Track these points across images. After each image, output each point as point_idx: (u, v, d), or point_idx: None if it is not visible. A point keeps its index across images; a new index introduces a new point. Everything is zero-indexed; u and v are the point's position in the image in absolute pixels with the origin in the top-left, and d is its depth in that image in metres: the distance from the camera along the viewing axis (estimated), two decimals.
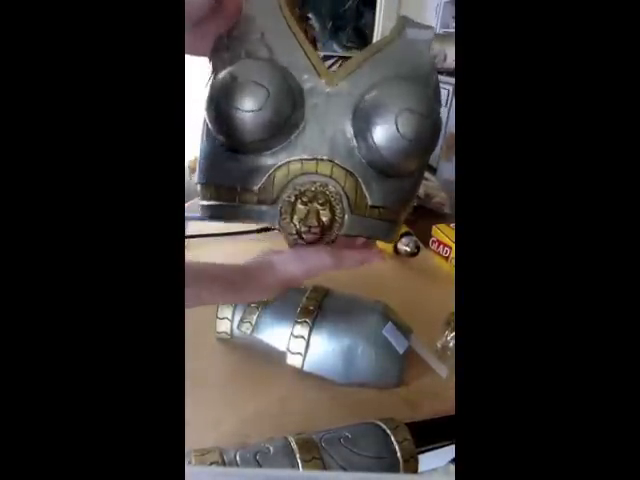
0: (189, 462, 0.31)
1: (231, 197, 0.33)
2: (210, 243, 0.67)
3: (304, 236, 0.33)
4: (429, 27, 0.37)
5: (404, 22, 0.37)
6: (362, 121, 0.32)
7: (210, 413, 0.40)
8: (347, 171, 0.33)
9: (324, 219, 0.32)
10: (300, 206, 0.32)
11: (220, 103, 0.30)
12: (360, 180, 0.33)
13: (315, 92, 0.33)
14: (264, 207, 0.32)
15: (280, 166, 0.32)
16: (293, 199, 0.32)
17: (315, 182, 0.32)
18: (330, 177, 0.32)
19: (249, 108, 0.29)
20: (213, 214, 0.34)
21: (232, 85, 0.30)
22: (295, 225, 0.32)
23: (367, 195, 0.33)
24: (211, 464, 0.31)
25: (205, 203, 0.34)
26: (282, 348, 0.44)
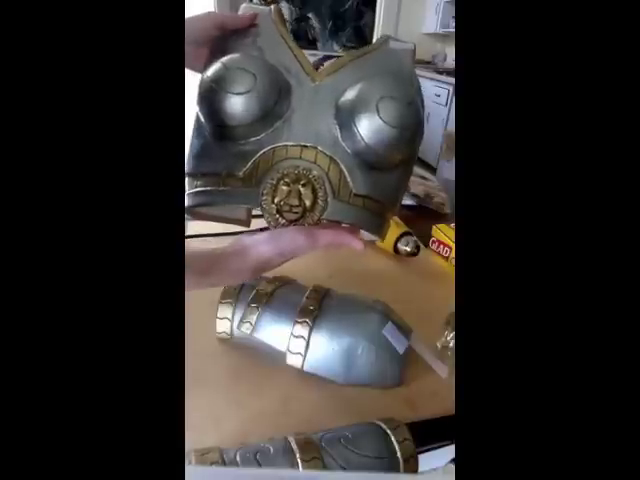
0: (189, 462, 0.31)
1: (216, 182, 0.34)
2: (210, 243, 0.67)
3: (285, 215, 0.33)
4: (409, 43, 0.40)
5: (387, 37, 0.39)
6: (345, 112, 0.33)
7: (210, 413, 0.40)
8: (331, 158, 0.34)
9: (306, 200, 0.33)
10: (282, 187, 0.33)
11: (211, 88, 0.32)
12: (343, 168, 0.34)
13: (301, 86, 0.35)
14: (247, 189, 0.33)
15: (265, 152, 0.33)
16: (275, 181, 0.33)
17: (298, 166, 0.33)
18: (314, 163, 0.33)
19: (237, 91, 0.31)
20: (198, 200, 0.35)
21: (223, 72, 0.32)
22: (276, 205, 0.33)
23: (350, 183, 0.34)
24: (211, 464, 0.31)
25: (192, 191, 0.35)
26: (282, 348, 0.44)
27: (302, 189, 0.33)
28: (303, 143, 0.34)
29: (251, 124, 0.33)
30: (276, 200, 0.33)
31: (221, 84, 0.32)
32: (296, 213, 0.33)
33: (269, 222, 0.34)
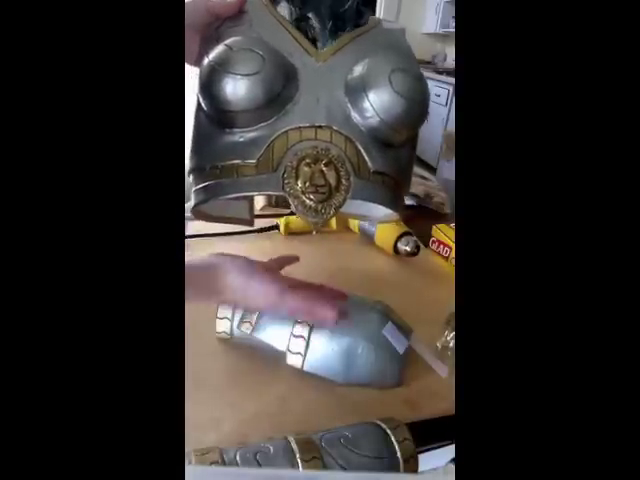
0: (189, 462, 0.31)
1: (230, 173, 0.32)
2: (210, 243, 0.67)
3: (312, 196, 0.32)
4: (398, 24, 0.40)
5: (378, 19, 0.40)
6: (357, 87, 0.33)
7: (210, 413, 0.39)
8: (346, 137, 0.33)
9: (330, 180, 0.32)
10: (304, 168, 0.32)
11: (216, 71, 0.30)
12: (359, 145, 0.33)
13: (306, 67, 0.34)
14: (264, 175, 0.32)
15: (278, 136, 0.32)
16: (295, 163, 0.31)
17: (316, 147, 0.32)
18: (330, 142, 0.32)
19: (244, 72, 0.30)
20: (211, 194, 0.33)
21: (228, 54, 0.31)
22: (301, 187, 0.32)
23: (368, 160, 0.33)
24: (211, 464, 0.31)
25: (201, 186, 0.33)
26: (282, 348, 0.44)
27: (325, 169, 0.32)
28: (317, 123, 0.33)
29: (259, 109, 0.32)
30: (300, 182, 0.32)
31: (226, 66, 0.30)
32: (323, 194, 0.32)
33: (296, 206, 0.33)
